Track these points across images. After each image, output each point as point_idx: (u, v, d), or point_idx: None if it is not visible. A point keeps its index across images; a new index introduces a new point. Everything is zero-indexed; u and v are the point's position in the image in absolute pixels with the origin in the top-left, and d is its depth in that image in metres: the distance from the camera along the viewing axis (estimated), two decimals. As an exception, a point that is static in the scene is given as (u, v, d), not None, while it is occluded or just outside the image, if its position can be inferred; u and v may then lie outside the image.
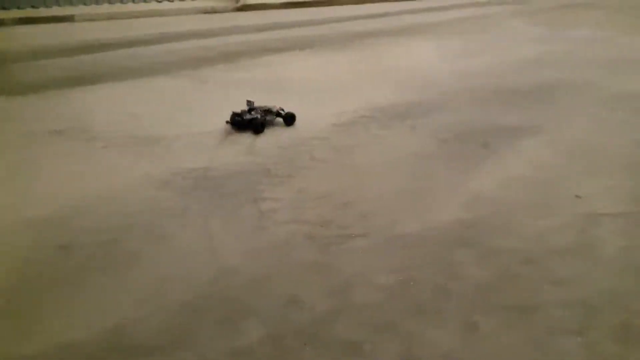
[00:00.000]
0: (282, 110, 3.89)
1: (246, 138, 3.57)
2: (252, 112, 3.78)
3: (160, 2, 9.54)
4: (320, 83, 4.95)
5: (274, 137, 3.61)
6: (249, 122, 3.72)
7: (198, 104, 4.42)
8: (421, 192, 2.78)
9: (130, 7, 9.43)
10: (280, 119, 3.87)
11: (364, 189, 2.81)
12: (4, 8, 8.54)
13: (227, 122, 3.79)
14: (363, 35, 7.47)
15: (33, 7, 8.81)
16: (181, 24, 8.43)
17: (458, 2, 11.18)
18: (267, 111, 3.83)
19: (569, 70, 5.31)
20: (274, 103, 3.94)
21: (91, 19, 8.76)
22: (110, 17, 8.90)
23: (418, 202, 2.66)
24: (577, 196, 2.68)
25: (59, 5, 8.94)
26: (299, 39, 7.21)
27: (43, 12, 8.73)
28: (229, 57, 6.14)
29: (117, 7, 9.28)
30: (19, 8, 8.69)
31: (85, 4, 9.13)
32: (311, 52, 6.41)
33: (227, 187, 2.86)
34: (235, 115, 3.75)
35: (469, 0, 11.43)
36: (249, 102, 3.87)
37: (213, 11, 9.82)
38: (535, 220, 2.44)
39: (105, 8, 9.19)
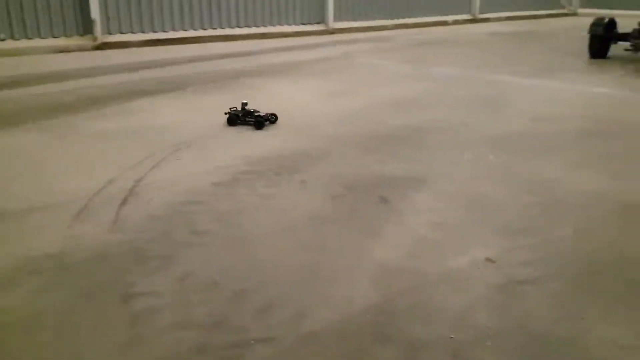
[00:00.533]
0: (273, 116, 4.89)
1: (112, 208, 3.02)
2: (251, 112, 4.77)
3: (3, 40, 8.48)
4: (191, 131, 4.49)
5: (144, 204, 3.10)
6: (256, 117, 4.73)
7: (54, 164, 3.76)
8: (325, 267, 2.43)
9: (-34, 45, 8.27)
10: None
11: (259, 270, 2.40)
12: None
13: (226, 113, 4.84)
14: (229, 75, 7.12)
15: None
16: (32, 65, 7.51)
17: (319, 41, 11.27)
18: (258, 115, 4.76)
19: (441, 111, 5.35)
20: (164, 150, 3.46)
21: None
22: (-60, 57, 7.71)
23: (323, 282, 2.31)
24: (488, 259, 2.49)
25: None
26: (164, 80, 6.68)
27: None
28: (91, 102, 5.47)
29: (-51, 46, 8.09)
30: None
31: None
32: (177, 95, 5.91)
33: (88, 279, 2.32)
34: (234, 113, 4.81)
35: (329, 39, 11.59)
36: (243, 104, 4.85)
37: (68, 50, 8.93)
38: (453, 297, 2.20)
39: None
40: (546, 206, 3.11)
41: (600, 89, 6.28)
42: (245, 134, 4.54)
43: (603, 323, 2.02)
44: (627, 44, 7.90)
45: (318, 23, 12.55)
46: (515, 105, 5.56)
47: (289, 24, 12.08)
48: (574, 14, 18.27)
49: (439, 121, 4.94)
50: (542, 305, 2.13)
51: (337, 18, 12.70)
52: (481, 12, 15.68)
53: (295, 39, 11.49)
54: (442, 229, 2.81)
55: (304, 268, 2.42)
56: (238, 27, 11.30)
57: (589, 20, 8.63)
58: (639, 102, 5.67)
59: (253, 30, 11.42)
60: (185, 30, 10.53)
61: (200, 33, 10.65)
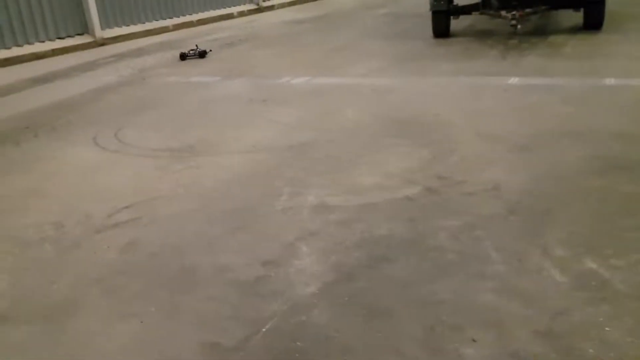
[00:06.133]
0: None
1: None
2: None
3: None
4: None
5: None
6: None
7: None
8: None
9: None
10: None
11: None
12: None
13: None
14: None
15: None
16: None
17: (90, 57, 8.60)
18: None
19: (370, 156, 3.56)
20: None
21: None
22: None
23: None
24: None
25: None
26: None
27: None
28: None
29: None
30: None
31: None
32: None
33: None
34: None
35: (102, 53, 8.95)
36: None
37: None
38: None
39: None
40: None
41: (513, 79, 5.08)
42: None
43: None
44: (506, 20, 6.70)
45: (80, 34, 9.67)
46: (454, 124, 4.01)
47: (41, 40, 9.02)
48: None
49: (404, 185, 3.14)
50: None
51: (105, 24, 9.96)
52: (265, 0, 14.11)
53: (54, 59, 8.56)
54: None
55: None
56: (-35, 54, 7.98)
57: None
58: (585, 95, 4.47)
59: (-9, 55, 8.19)
60: None
61: None
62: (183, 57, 7.44)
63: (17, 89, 6.51)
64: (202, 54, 7.45)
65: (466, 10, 7.31)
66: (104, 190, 3.34)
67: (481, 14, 7.16)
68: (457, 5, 7.31)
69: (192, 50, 7.53)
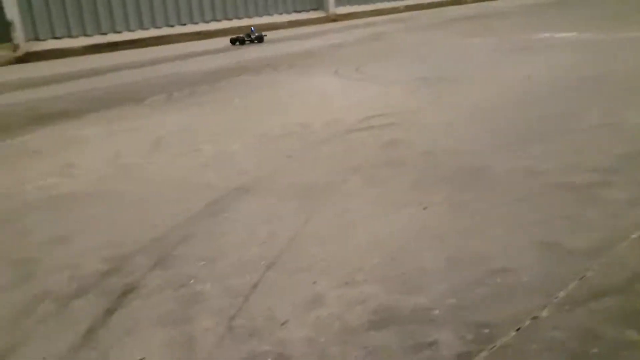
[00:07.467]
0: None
1: None
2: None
3: None
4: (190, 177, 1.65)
5: None
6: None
7: None
8: None
9: None
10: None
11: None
12: None
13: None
14: (217, 75, 4.27)
15: None
16: None
17: (325, 29, 8.51)
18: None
19: None
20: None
21: None
22: None
23: None
24: None
25: None
26: (119, 91, 3.83)
27: None
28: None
29: None
30: None
31: None
32: (148, 110, 3.06)
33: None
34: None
35: (334, 26, 8.83)
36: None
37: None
38: None
39: None
40: None
41: None
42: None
43: None
44: None
45: (315, 9, 9.76)
46: None
47: (279, 13, 9.27)
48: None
49: None
50: None
51: (339, 2, 9.94)
52: (499, -13, 13.06)
53: (290, 30, 8.68)
54: None
55: None
56: (215, 20, 8.46)
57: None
58: None
59: (234, 23, 8.58)
60: (146, 29, 7.67)
61: (164, 31, 7.80)
62: (240, 41, 6.65)
63: (271, 41, 6.61)
64: (260, 39, 6.70)
65: None
66: (350, 104, 2.87)
67: None
68: None
69: (248, 35, 6.75)
